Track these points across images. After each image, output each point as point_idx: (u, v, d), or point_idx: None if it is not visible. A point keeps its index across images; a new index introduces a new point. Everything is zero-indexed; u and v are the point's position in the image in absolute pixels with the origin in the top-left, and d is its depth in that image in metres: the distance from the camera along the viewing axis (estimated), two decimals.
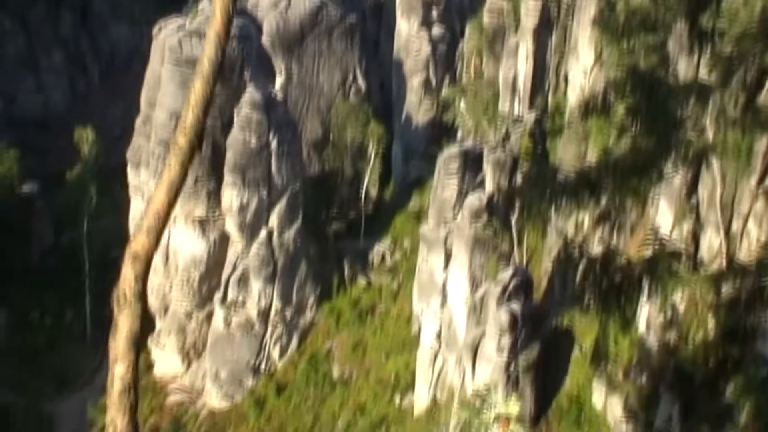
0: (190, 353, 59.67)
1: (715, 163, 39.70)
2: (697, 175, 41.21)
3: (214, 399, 58.05)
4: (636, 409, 36.63)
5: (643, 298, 30.52)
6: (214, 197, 57.30)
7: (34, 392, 59.10)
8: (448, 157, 53.78)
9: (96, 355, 63.90)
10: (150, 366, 61.29)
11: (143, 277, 4.63)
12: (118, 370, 3.98)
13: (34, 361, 61.22)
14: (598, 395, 43.65)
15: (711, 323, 19.07)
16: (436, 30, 67.76)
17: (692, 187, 41.54)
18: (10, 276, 65.09)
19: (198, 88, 4.70)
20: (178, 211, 56.92)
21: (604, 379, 42.37)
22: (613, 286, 15.70)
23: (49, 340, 62.67)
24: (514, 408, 6.55)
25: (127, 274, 4.47)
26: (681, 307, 25.43)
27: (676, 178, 37.97)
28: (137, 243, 4.71)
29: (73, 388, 60.63)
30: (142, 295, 4.50)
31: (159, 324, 60.41)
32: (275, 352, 59.08)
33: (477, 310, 47.23)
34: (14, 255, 66.26)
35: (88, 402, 59.12)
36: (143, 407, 58.76)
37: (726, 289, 17.68)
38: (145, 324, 59.76)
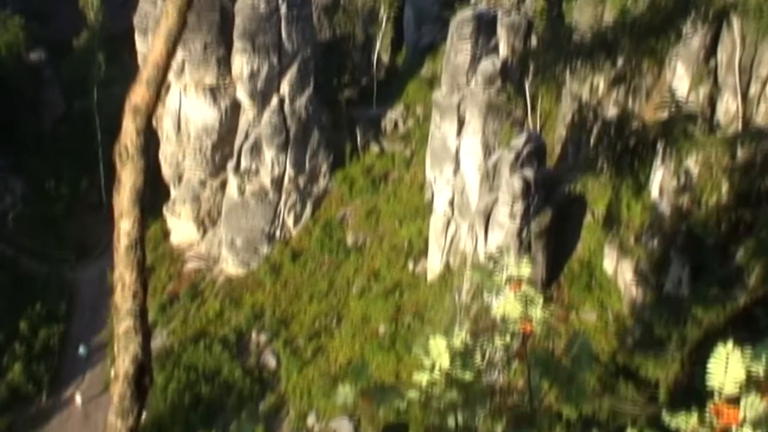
0: (206, 221, 60.44)
1: (736, 24, 38.59)
2: (716, 36, 40.11)
3: (230, 266, 59.20)
4: (646, 272, 37.09)
5: (657, 162, 30.42)
6: (224, 64, 56.54)
7: (55, 260, 60.45)
8: (461, 21, 52.47)
9: (112, 222, 64.84)
10: (166, 234, 62.31)
11: (145, 131, 4.47)
12: (124, 226, 3.88)
13: (53, 230, 62.28)
14: (609, 260, 44.15)
15: (724, 187, 18.99)
16: None
17: (711, 50, 40.53)
18: (24, 145, 65.37)
19: None
20: (188, 79, 56.40)
21: (615, 244, 42.74)
22: (628, 149, 15.53)
23: (67, 208, 63.53)
24: (525, 270, 6.51)
25: (128, 127, 4.32)
26: (695, 171, 25.28)
27: (694, 39, 37.01)
28: (137, 95, 4.54)
29: (91, 255, 61.87)
30: (144, 149, 4.37)
31: (174, 192, 60.96)
32: (290, 220, 59.73)
33: (490, 177, 47.21)
34: (26, 124, 66.31)
35: (107, 269, 60.51)
36: (161, 275, 60.13)
37: (741, 152, 17.52)
38: (158, 188, 60.40)
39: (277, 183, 58.83)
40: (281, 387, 52.84)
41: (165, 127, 59.46)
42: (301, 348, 53.88)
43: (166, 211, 61.25)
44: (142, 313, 3.88)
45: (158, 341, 55.98)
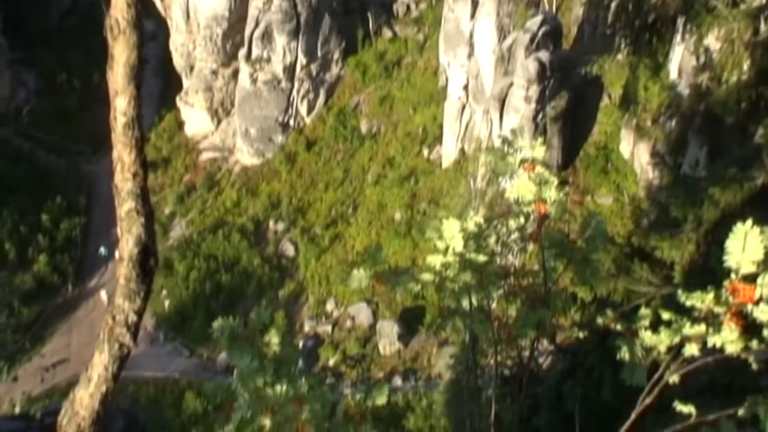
0: (219, 111, 60.14)
1: None
2: None
3: (245, 156, 59.23)
4: (663, 154, 36.75)
5: (677, 40, 29.64)
6: None
7: (72, 154, 60.69)
8: None
9: None
10: (181, 125, 62.19)
11: (136, 3, 4.24)
12: (120, 104, 3.75)
13: (67, 124, 62.27)
14: (625, 143, 43.75)
15: (746, 64, 18.56)
16: None
17: None
18: (33, 39, 64.55)
19: None
20: None
21: (632, 126, 42.24)
22: (646, 26, 15.13)
23: (80, 101, 63.29)
24: (539, 151, 6.39)
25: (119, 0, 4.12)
26: (715, 48, 24.56)
27: None
28: None
29: (107, 147, 61.91)
30: (137, 23, 4.16)
31: (186, 83, 60.46)
32: (303, 108, 59.30)
33: (505, 60, 46.34)
34: (34, 18, 65.29)
35: None
36: (177, 165, 60.36)
37: (765, 26, 16.99)
38: (171, 78, 59.82)
39: (289, 71, 58.09)
40: (299, 274, 53.67)
41: (174, 16, 58.42)
42: (319, 236, 54.39)
43: (179, 102, 60.93)
44: (143, 194, 3.79)
45: (177, 231, 56.73)
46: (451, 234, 6.37)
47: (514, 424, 6.56)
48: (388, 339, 47.56)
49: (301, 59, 57.86)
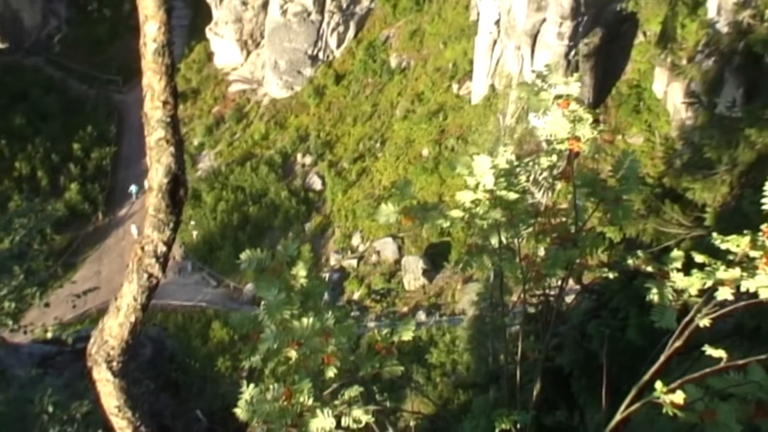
0: (248, 43, 59.70)
1: None
2: None
3: (274, 88, 58.96)
4: (698, 93, 36.06)
5: None
6: None
7: (103, 83, 60.79)
8: None
9: None
10: (210, 56, 61.90)
11: None
12: (149, 30, 3.65)
13: (98, 53, 62.21)
14: (659, 82, 42.96)
15: None
16: None
17: None
18: None
19: None
20: None
21: (667, 64, 41.41)
22: None
23: (111, 30, 63.11)
24: (574, 88, 6.24)
25: None
26: None
27: None
28: None
29: (138, 77, 61.97)
30: None
31: (215, 14, 59.94)
32: (332, 41, 58.69)
33: None
34: None
35: None
36: (206, 97, 60.27)
37: None
38: (200, 9, 59.41)
39: (320, 3, 57.35)
40: (326, 208, 53.83)
41: None
42: (346, 170, 54.36)
43: (208, 33, 60.52)
44: (173, 123, 3.71)
45: (206, 163, 56.97)
46: (482, 170, 6.30)
47: (540, 362, 6.56)
48: (413, 274, 47.83)
49: None
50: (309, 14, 57.38)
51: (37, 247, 11.75)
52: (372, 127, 55.73)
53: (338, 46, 58.83)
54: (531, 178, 6.60)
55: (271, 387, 6.24)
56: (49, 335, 10.66)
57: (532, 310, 9.98)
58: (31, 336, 12.19)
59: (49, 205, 16.38)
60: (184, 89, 60.79)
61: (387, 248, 49.74)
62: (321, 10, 57.62)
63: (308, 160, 55.95)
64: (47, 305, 10.84)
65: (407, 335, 6.25)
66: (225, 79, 61.09)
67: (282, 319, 6.69)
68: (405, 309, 46.82)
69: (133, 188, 54.28)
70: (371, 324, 42.82)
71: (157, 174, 3.70)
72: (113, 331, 3.72)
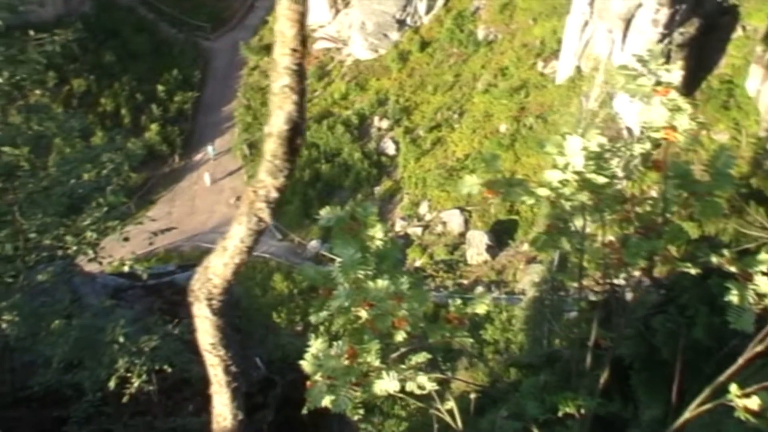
0: (338, 2, 59.75)
1: None
2: None
3: (358, 49, 58.96)
4: None
5: None
6: None
7: (192, 28, 61.62)
8: None
9: None
10: None
11: None
12: None
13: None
14: (753, 79, 41.63)
15: None
16: None
17: None
18: None
19: None
20: None
21: (764, 62, 40.08)
22: None
23: None
24: (675, 76, 6.11)
25: None
26: None
27: None
28: None
29: (227, 26, 62.72)
30: None
31: None
32: (422, 7, 58.32)
33: None
34: None
35: (240, 41, 61.39)
36: None
37: None
38: None
39: None
40: (397, 173, 53.87)
41: None
42: (421, 138, 54.23)
43: None
44: (299, 71, 3.75)
45: None
46: (573, 151, 6.24)
47: (611, 351, 6.52)
48: (476, 249, 47.69)
49: None
50: None
51: (120, 182, 12.06)
52: (452, 97, 55.39)
53: (427, 12, 58.43)
54: (621, 163, 6.51)
55: (335, 344, 6.34)
56: (126, 269, 10.98)
57: (595, 297, 9.91)
58: (108, 268, 12.56)
59: (132, 143, 16.76)
60: (270, 42, 61.22)
61: (453, 220, 49.65)
62: None
63: (384, 124, 55.96)
64: (126, 239, 11.16)
65: (481, 308, 6.27)
66: (311, 36, 61.27)
67: (356, 278, 6.77)
68: (465, 282, 46.80)
69: (210, 149, 55.01)
70: (432, 294, 42.91)
71: (277, 120, 3.75)
72: (217, 270, 3.82)
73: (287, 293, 46.60)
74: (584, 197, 6.15)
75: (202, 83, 59.22)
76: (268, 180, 3.80)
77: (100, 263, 11.87)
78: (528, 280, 43.16)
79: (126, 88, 55.69)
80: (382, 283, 6.38)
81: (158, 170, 54.05)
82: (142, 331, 10.41)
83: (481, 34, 56.95)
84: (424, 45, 58.06)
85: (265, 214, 3.78)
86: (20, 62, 9.57)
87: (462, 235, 48.86)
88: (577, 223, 6.29)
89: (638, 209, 6.52)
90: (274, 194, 3.82)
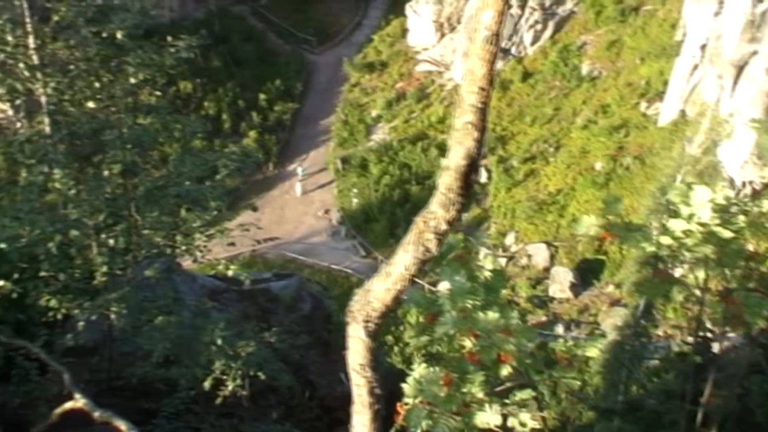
0: (444, 26, 60.07)
1: None
2: None
3: (460, 74, 59.02)
4: None
5: None
6: None
7: (299, 41, 62.89)
8: None
9: (357, 13, 66.00)
10: (404, 32, 62.73)
11: None
12: (485, 17, 3.74)
13: (301, 11, 64.37)
14: None
15: None
16: None
17: None
18: None
19: None
20: None
21: None
22: None
23: None
24: None
25: None
26: None
27: None
28: None
29: (332, 41, 63.82)
30: None
31: None
32: (528, 38, 58.13)
33: (754, 26, 43.08)
34: None
35: (344, 56, 62.32)
36: (393, 71, 61.18)
37: None
38: None
39: None
40: (487, 202, 53.56)
41: None
42: (514, 168, 53.83)
43: (408, 9, 61.35)
44: (484, 110, 3.85)
45: (379, 135, 57.98)
46: (700, 202, 6.15)
47: (721, 407, 6.36)
48: (559, 285, 46.99)
49: None
50: (510, 7, 56.97)
51: (210, 184, 12.36)
52: (549, 130, 54.89)
53: (532, 43, 58.22)
54: (748, 219, 6.38)
55: (432, 369, 6.35)
56: (230, 273, 11.26)
57: (680, 348, 9.67)
58: (201, 267, 12.85)
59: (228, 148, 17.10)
60: (373, 60, 62.07)
61: (539, 254, 49.05)
62: (522, 6, 57.14)
63: None
64: (233, 244, 11.44)
65: (593, 352, 6.21)
66: (414, 58, 61.77)
67: (463, 307, 6.78)
68: (544, 318, 46.14)
69: (299, 170, 55.49)
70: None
71: (456, 155, 3.84)
72: (378, 294, 3.91)
73: None
74: (708, 250, 6.04)
75: (303, 95, 60.25)
76: (439, 212, 3.88)
77: (201, 263, 12.18)
78: (610, 322, 42.26)
79: (229, 94, 57.08)
80: (492, 315, 6.38)
81: (252, 176, 55.05)
82: (238, 336, 10.62)
83: (585, 69, 56.38)
84: (526, 75, 57.80)
85: (433, 245, 3.85)
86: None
87: (546, 270, 48.23)
88: (699, 274, 6.19)
89: (762, 268, 6.38)
90: (444, 226, 3.90)
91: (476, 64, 3.66)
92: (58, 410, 9.83)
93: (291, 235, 51.18)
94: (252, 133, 55.53)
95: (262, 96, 57.67)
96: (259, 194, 54.68)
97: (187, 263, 13.46)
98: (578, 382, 6.14)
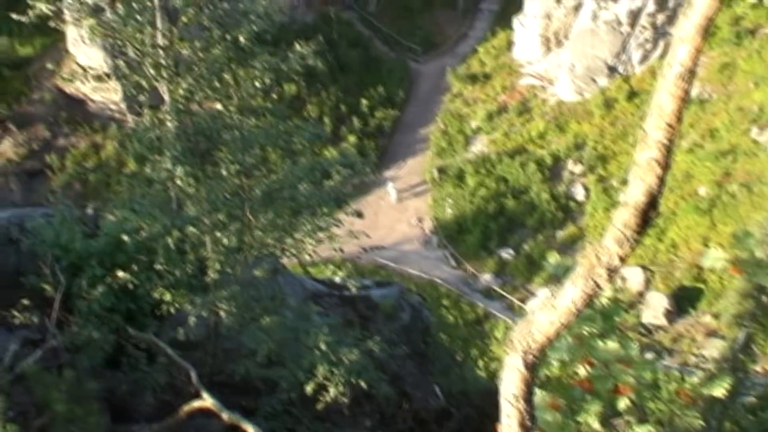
0: (551, 41, 59.40)
1: None
2: None
3: (564, 90, 58.34)
4: None
5: None
6: None
7: (404, 49, 63.26)
8: None
9: (463, 24, 66.03)
10: (509, 45, 62.34)
11: None
12: (680, 52, 3.68)
13: (408, 20, 64.73)
14: None
15: None
16: None
17: None
18: None
19: None
20: None
21: None
22: None
23: (425, 1, 65.46)
24: None
25: None
26: None
27: None
28: None
29: (437, 50, 63.96)
30: None
31: (527, 5, 60.16)
32: (636, 56, 56.95)
33: None
34: None
35: (447, 66, 62.36)
36: (496, 84, 60.88)
37: None
38: (513, 4, 60.11)
39: (634, 16, 55.70)
40: (583, 221, 52.71)
41: None
42: (613, 188, 52.81)
43: (515, 23, 60.96)
44: (669, 147, 3.79)
45: (477, 146, 57.76)
46: None
47: None
48: (653, 311, 45.83)
49: (650, 6, 55.17)
50: (620, 24, 55.98)
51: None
52: None
53: (641, 62, 57.00)
54: None
55: (538, 393, 6.26)
56: (337, 279, 11.39)
57: None
58: (298, 267, 12.98)
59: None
60: (476, 72, 61.88)
61: (634, 277, 47.97)
62: (633, 23, 55.99)
63: (578, 168, 54.99)
64: (342, 251, 11.57)
65: (719, 391, 6.03)
66: (518, 71, 61.31)
67: (580, 333, 6.67)
68: (635, 345, 44.95)
69: (391, 190, 55.40)
70: None
71: (636, 191, 3.80)
72: (542, 326, 3.90)
73: (452, 322, 46.63)
74: None
75: (404, 103, 60.51)
76: (613, 248, 3.83)
77: (304, 268, 12.36)
78: (705, 354, 40.95)
79: (332, 98, 57.78)
80: (612, 344, 6.26)
81: (349, 181, 55.56)
82: (341, 343, 10.70)
83: (694, 90, 54.75)
84: (632, 94, 56.64)
85: (603, 281, 3.81)
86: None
87: (641, 294, 47.10)
88: None
89: None
90: (617, 262, 3.85)
91: (666, 100, 3.59)
92: (186, 408, 10.10)
93: (383, 241, 51.49)
94: (352, 138, 56.07)
95: (364, 102, 58.20)
96: (355, 199, 55.15)
97: (287, 262, 13.65)
98: (701, 423, 5.95)
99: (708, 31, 3.73)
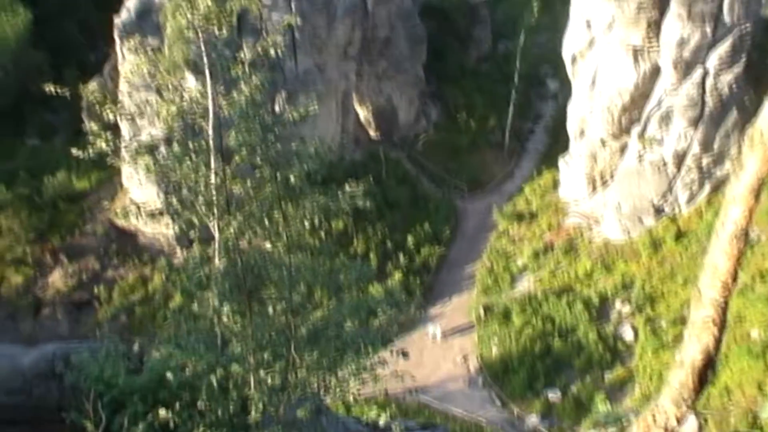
0: (596, 180, 59.89)
1: None
2: None
3: (610, 229, 58.30)
4: None
5: None
6: (654, 27, 54.56)
7: (450, 187, 64.26)
8: None
9: (509, 163, 67.20)
10: (555, 184, 62.97)
11: None
12: (734, 212, 3.71)
13: (454, 158, 66.11)
14: None
15: None
16: None
17: None
18: (447, 76, 69.61)
19: None
20: (614, 36, 55.56)
21: None
22: None
23: (471, 141, 66.97)
24: None
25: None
26: None
27: None
28: None
29: (483, 189, 64.80)
30: None
31: (572, 146, 61.07)
32: (682, 197, 56.97)
33: None
34: (454, 58, 70.50)
35: (493, 204, 62.97)
36: (542, 222, 61.14)
37: None
38: (559, 137, 61.22)
39: (679, 157, 56.13)
40: (632, 362, 51.54)
41: (580, 80, 59.40)
42: (663, 329, 51.84)
43: (561, 162, 61.80)
44: (724, 306, 3.74)
45: (523, 285, 57.43)
46: None
47: None
48: None
49: (695, 148, 55.64)
50: (665, 165, 56.35)
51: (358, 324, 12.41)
52: None
53: (688, 202, 56.96)
54: None
55: None
56: (381, 422, 11.17)
57: None
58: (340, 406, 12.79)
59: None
60: (522, 210, 62.30)
61: (687, 424, 46.07)
62: (679, 164, 56.34)
63: (626, 309, 54.21)
64: (386, 394, 11.37)
65: None
66: (564, 210, 61.59)
67: None
68: None
69: (431, 329, 55.10)
70: None
71: (692, 349, 3.74)
72: None
73: None
74: None
75: (450, 240, 60.84)
76: (670, 408, 3.74)
77: (348, 408, 12.15)
78: None
79: (379, 234, 58.37)
80: None
81: (395, 320, 55.29)
82: None
83: None
84: (679, 234, 56.28)
85: None
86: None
87: None
88: None
89: None
90: (674, 423, 3.75)
91: (720, 259, 3.57)
92: None
93: (428, 379, 50.72)
94: (397, 275, 56.20)
95: (410, 238, 58.66)
96: (400, 336, 54.66)
97: (329, 400, 13.45)
98: None
99: (760, 192, 3.76)
